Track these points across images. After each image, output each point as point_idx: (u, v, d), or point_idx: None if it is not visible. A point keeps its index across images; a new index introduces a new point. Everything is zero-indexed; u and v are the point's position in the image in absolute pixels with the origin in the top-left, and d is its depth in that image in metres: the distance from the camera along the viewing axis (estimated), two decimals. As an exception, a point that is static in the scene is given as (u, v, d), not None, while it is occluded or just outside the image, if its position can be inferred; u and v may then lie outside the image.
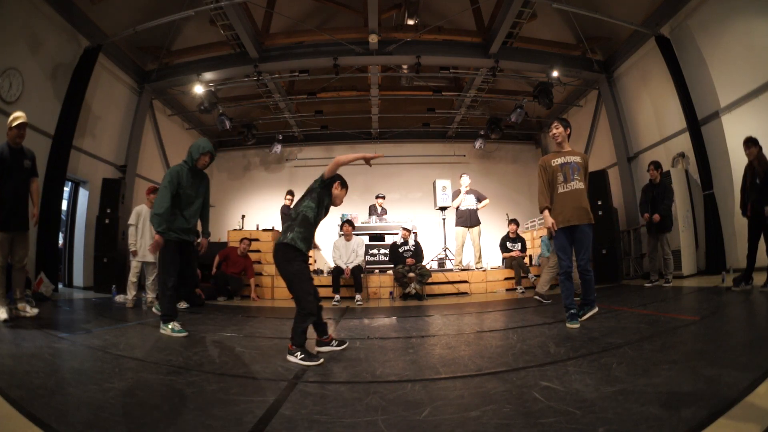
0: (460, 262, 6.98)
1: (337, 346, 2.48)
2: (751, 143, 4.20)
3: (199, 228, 3.50)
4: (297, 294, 2.31)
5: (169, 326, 3.01)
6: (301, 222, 2.38)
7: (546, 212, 3.18)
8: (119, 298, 5.28)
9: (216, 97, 8.46)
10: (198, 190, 3.31)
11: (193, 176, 3.25)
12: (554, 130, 3.21)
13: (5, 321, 3.28)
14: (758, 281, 4.19)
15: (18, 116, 3.40)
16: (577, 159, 3.13)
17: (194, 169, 3.25)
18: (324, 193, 2.48)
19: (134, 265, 4.90)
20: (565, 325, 2.99)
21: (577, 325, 2.93)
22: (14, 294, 3.63)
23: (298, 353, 2.16)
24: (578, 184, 3.08)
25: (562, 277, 3.11)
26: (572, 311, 3.02)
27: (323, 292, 6.16)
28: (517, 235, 7.08)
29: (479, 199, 7.08)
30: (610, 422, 1.23)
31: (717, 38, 5.95)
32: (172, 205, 3.12)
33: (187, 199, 3.21)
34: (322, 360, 2.16)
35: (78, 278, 6.97)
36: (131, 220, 4.92)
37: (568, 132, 3.22)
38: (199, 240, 3.47)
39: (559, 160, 3.16)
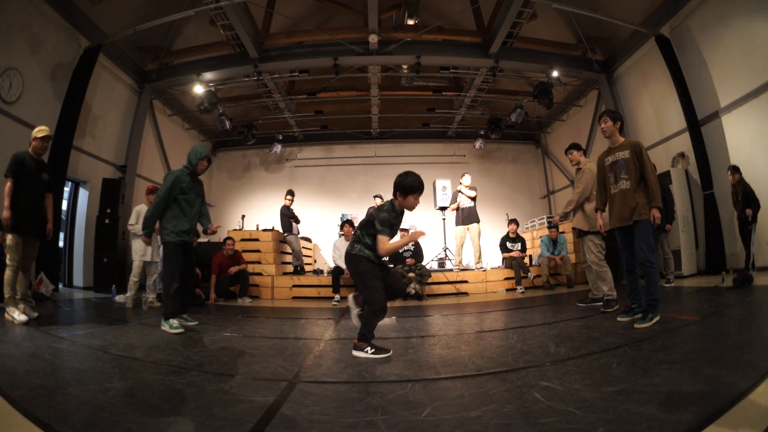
0: (460, 262, 6.97)
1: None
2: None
3: (199, 228, 3.60)
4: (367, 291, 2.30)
5: (169, 322, 3.13)
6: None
7: (598, 213, 3.28)
8: (119, 298, 5.27)
9: (216, 97, 8.46)
10: (197, 193, 3.48)
11: (192, 180, 3.42)
12: (602, 125, 3.12)
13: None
14: (759, 281, 4.19)
15: (43, 128, 3.60)
16: (625, 154, 2.97)
17: (194, 174, 3.41)
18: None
19: (136, 264, 4.90)
20: (565, 325, 3.01)
21: (625, 319, 2.98)
22: (16, 294, 3.66)
23: (368, 348, 2.21)
24: (624, 184, 2.95)
25: (626, 272, 3.13)
26: (630, 305, 3.06)
27: (323, 292, 6.23)
28: (517, 235, 7.08)
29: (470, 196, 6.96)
30: (610, 422, 1.22)
31: (717, 38, 5.94)
32: (177, 209, 3.29)
33: (189, 202, 3.37)
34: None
35: (78, 278, 6.98)
36: (131, 220, 4.95)
37: (618, 125, 3.07)
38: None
39: (610, 159, 3.09)
